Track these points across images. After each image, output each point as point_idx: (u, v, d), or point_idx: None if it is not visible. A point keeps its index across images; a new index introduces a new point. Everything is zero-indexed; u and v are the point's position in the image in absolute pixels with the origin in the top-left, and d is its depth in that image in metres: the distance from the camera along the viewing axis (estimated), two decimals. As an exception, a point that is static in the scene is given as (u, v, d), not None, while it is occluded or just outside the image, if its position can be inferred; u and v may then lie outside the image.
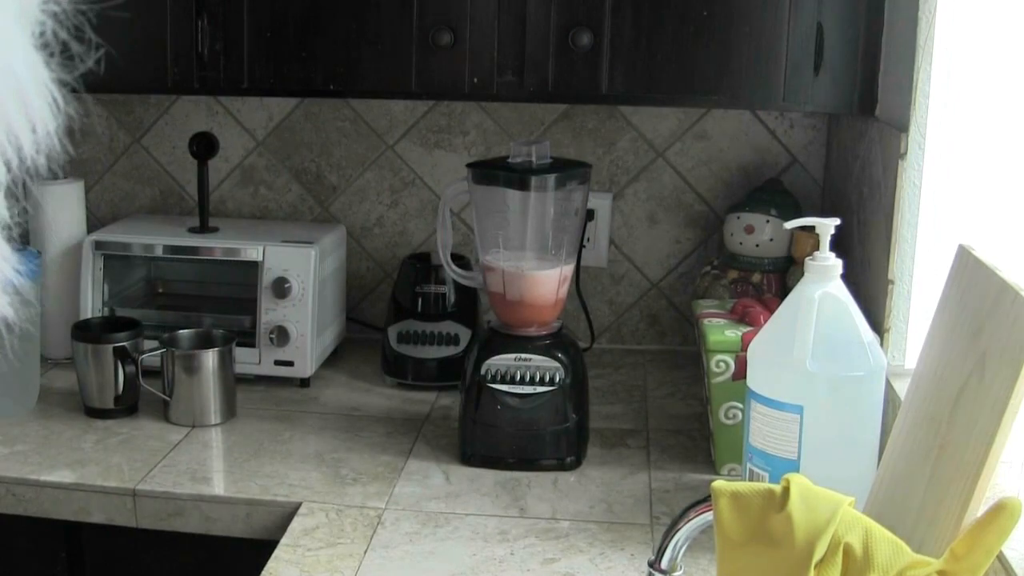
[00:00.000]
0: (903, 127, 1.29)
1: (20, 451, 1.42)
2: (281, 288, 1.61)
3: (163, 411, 1.53)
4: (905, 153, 1.29)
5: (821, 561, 0.81)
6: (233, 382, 1.55)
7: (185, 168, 1.88)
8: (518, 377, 1.38)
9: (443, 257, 1.48)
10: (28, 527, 1.36)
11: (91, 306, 1.66)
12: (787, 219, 1.20)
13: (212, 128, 1.83)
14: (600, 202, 1.81)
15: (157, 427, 1.51)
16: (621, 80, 1.44)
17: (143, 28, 1.50)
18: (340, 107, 1.84)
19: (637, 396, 1.67)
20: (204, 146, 1.71)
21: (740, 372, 1.32)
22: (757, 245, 1.66)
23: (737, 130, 1.79)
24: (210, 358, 1.51)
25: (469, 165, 1.42)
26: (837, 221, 1.13)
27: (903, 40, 1.31)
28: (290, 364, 1.64)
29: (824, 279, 1.11)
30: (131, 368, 1.51)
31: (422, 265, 1.70)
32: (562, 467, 1.40)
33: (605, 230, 1.83)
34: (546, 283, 1.40)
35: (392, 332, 1.68)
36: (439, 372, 1.66)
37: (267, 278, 1.62)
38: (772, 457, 1.12)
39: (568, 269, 1.42)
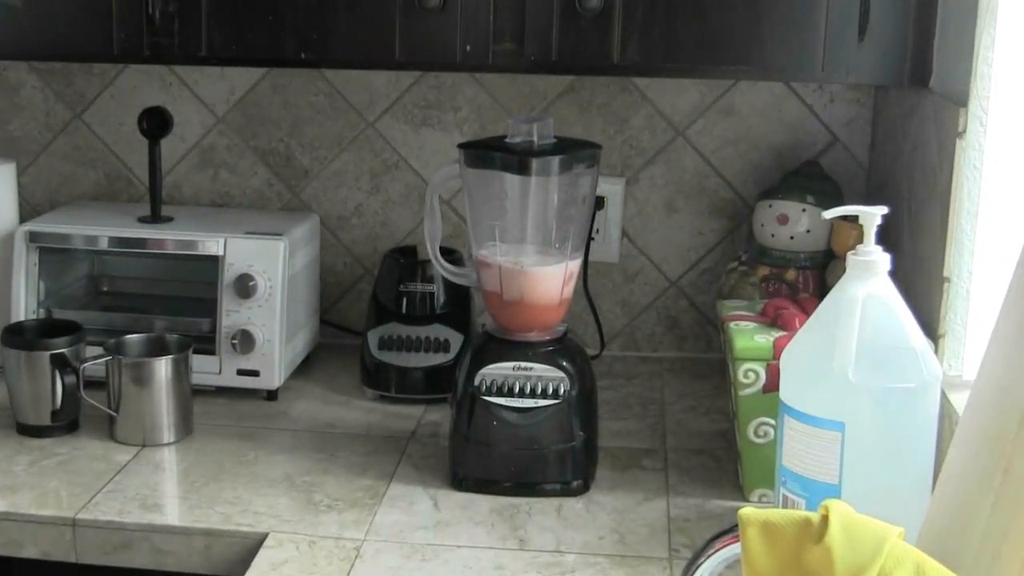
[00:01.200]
0: (961, 101, 1.29)
1: (-57, 474, 1.41)
2: (245, 287, 1.60)
3: (108, 428, 1.53)
4: (964, 131, 1.28)
5: (867, 602, 0.80)
6: (190, 394, 1.54)
7: (134, 148, 1.87)
8: (517, 389, 1.37)
9: (431, 251, 1.47)
10: (-48, 561, 1.35)
11: (24, 307, 1.65)
12: (826, 207, 1.19)
13: (165, 102, 1.83)
14: (611, 188, 1.81)
15: (101, 447, 1.50)
16: (635, 48, 1.43)
17: (85, -13, 1.49)
18: (313, 79, 1.84)
19: (653, 410, 1.66)
20: (156, 123, 1.70)
21: (772, 383, 1.31)
22: (792, 237, 1.65)
23: (769, 105, 1.79)
24: (163, 367, 1.50)
25: (461, 146, 1.41)
26: (884, 210, 1.13)
27: (962, 0, 1.30)
28: (255, 374, 1.63)
29: (869, 276, 1.11)
30: (71, 378, 1.51)
31: (407, 260, 1.69)
32: (567, 492, 1.39)
33: (617, 220, 1.83)
34: (549, 281, 1.39)
35: (372, 337, 1.67)
36: (426, 383, 1.65)
37: (229, 275, 1.61)
38: (809, 481, 1.12)
39: (574, 265, 1.42)
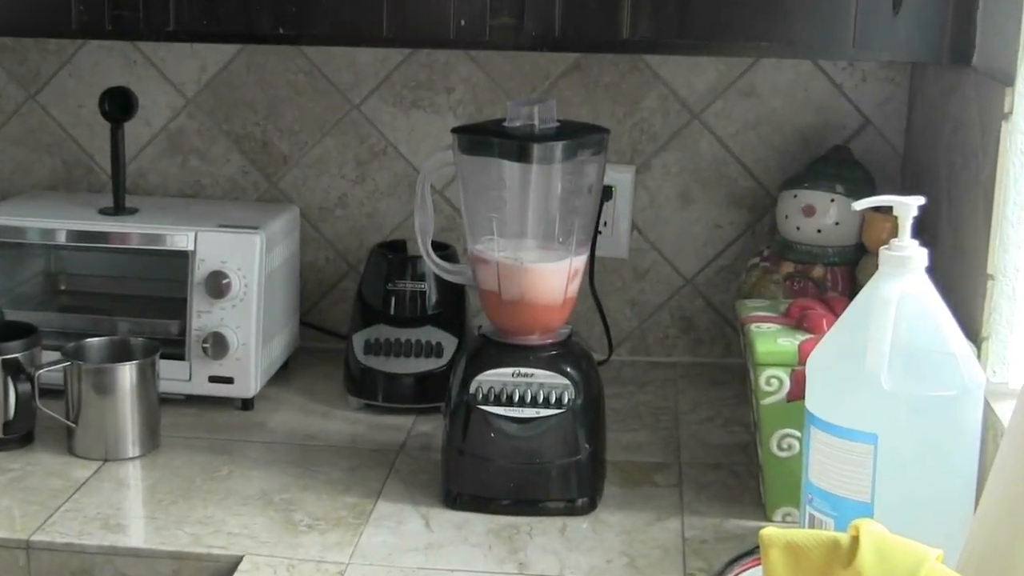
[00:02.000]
0: (1007, 80, 1.29)
1: None
2: (218, 285, 1.60)
3: (66, 441, 1.53)
4: (1010, 112, 1.28)
5: (901, 632, 0.80)
6: (156, 404, 1.54)
7: (95, 132, 1.87)
8: (516, 397, 1.37)
9: (422, 246, 1.47)
10: None
11: (-24, 307, 1.66)
12: (857, 197, 1.19)
13: (129, 82, 1.83)
14: (620, 176, 1.81)
15: (59, 461, 1.50)
16: (646, 22, 1.43)
17: (41, -45, 1.49)
18: (292, 56, 1.84)
19: (666, 421, 1.66)
20: (119, 105, 1.70)
21: (797, 391, 1.31)
22: (819, 231, 1.66)
23: (794, 85, 1.78)
24: (127, 374, 1.50)
25: (455, 130, 1.41)
26: (921, 200, 1.13)
27: (1005, -30, 1.30)
28: (229, 381, 1.63)
29: (904, 273, 1.11)
30: (25, 386, 1.51)
31: (396, 256, 1.69)
32: (572, 511, 1.39)
33: (626, 212, 1.83)
34: (551, 279, 1.39)
35: (358, 340, 1.67)
36: (417, 391, 1.66)
37: (200, 272, 1.61)
38: (838, 499, 1.12)
39: (580, 261, 1.42)
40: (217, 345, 1.61)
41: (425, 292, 1.67)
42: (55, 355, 1.53)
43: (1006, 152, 1.29)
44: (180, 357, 1.62)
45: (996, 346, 1.32)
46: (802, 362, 1.31)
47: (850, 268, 1.66)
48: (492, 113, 1.77)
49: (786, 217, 1.68)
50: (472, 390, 1.38)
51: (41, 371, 1.52)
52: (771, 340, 1.34)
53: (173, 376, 1.62)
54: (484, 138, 1.38)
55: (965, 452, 1.11)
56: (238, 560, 1.29)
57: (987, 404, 1.20)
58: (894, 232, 1.13)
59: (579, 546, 1.33)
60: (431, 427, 1.61)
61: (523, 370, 1.38)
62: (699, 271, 1.85)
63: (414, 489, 1.45)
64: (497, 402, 1.37)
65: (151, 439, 1.53)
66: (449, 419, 1.40)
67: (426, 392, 1.65)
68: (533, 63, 1.81)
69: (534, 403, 1.37)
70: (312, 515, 1.39)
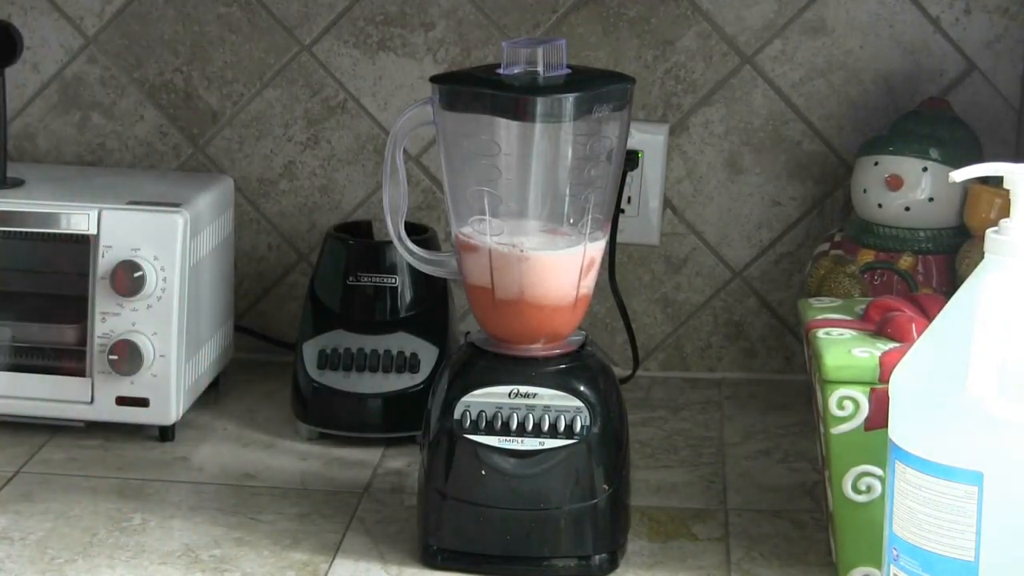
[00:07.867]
0: None
1: None
2: (128, 279, 1.60)
3: (-68, 481, 1.53)
4: None
5: None
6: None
7: (-31, 82, 1.87)
8: (515, 424, 1.37)
9: (392, 229, 1.47)
10: None
11: None
12: (957, 165, 1.19)
13: (10, 15, 1.82)
14: (649, 139, 1.81)
15: (-78, 507, 1.50)
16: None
17: None
18: (223, -18, 1.84)
19: (709, 455, 1.67)
20: (-1, 46, 1.70)
21: (878, 417, 1.31)
22: (907, 208, 1.66)
23: (876, 18, 1.79)
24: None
25: (435, 79, 1.41)
26: (1041, 168, 1.13)
27: None
28: (143, 404, 1.63)
29: (1018, 264, 1.11)
30: None
31: (358, 242, 1.69)
32: (587, 571, 1.39)
33: (657, 185, 1.83)
34: (560, 271, 1.39)
35: (309, 351, 1.68)
36: (386, 416, 1.66)
37: (105, 263, 1.61)
38: (931, 556, 1.12)
39: (596, 249, 1.42)
40: (127, 357, 1.61)
41: (396, 288, 1.67)
42: (-83, 370, 1.54)
43: None
44: (80, 373, 1.63)
45: None
46: (884, 380, 1.31)
47: (948, 257, 1.66)
48: (483, 57, 1.77)
49: (864, 191, 1.68)
50: (457, 415, 1.38)
51: (-101, 391, 1.52)
52: (844, 351, 1.34)
53: (70, 397, 1.62)
54: (473, 89, 1.38)
55: (1096, 496, 1.11)
56: (154, 636, 1.30)
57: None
58: (1006, 210, 1.12)
59: (596, 618, 1.34)
60: (404, 463, 1.61)
61: (523, 389, 1.38)
62: (751, 262, 1.85)
63: (382, 543, 1.45)
64: (490, 430, 1.37)
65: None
66: (428, 453, 1.40)
67: (398, 418, 1.65)
68: (536, -9, 1.81)
69: (537, 432, 1.37)
70: (250, 577, 1.39)
